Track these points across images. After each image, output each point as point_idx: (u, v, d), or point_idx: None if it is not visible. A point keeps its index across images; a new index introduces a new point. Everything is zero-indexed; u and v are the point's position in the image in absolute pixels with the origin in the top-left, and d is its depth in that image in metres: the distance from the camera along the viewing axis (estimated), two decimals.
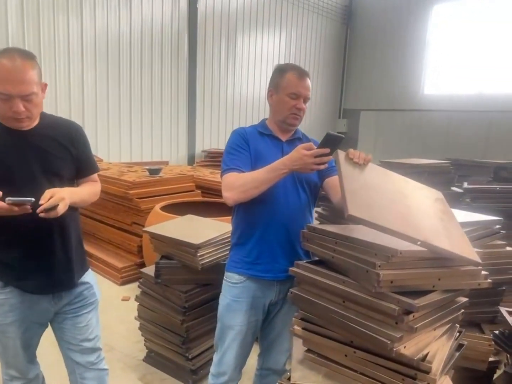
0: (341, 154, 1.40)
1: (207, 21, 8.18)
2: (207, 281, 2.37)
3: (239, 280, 1.71)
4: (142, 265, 3.79)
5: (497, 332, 1.92)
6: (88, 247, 4.46)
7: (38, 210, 1.36)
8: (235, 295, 1.72)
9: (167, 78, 7.68)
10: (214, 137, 8.62)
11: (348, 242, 1.31)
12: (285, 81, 1.65)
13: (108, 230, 4.39)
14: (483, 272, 1.31)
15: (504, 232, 1.96)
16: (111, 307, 3.45)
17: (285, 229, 1.66)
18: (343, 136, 1.44)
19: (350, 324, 1.22)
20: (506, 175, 4.95)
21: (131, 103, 7.20)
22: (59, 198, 1.40)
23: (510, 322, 1.83)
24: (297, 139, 1.79)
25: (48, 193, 1.39)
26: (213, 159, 7.71)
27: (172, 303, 2.38)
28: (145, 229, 2.55)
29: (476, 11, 9.38)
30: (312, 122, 10.97)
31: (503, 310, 1.93)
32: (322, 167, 1.47)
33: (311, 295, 1.34)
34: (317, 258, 1.48)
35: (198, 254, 2.22)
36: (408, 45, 10.32)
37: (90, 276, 1.78)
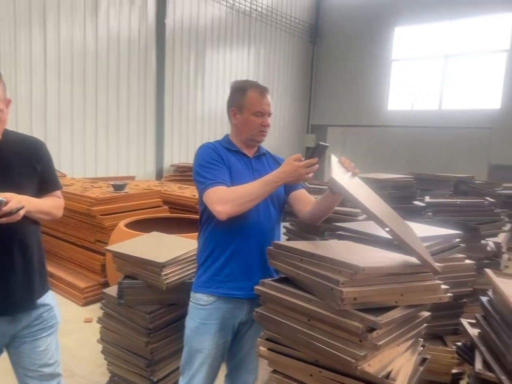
0: (334, 158, 1.49)
1: (175, 36, 8.19)
2: (173, 301, 2.30)
3: (208, 302, 1.67)
4: (106, 284, 3.66)
5: (459, 343, 1.95)
6: (48, 267, 4.23)
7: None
8: (203, 318, 1.67)
9: (134, 91, 7.59)
10: (183, 151, 8.57)
11: (313, 259, 1.31)
12: (248, 100, 1.66)
13: (70, 248, 4.23)
14: (444, 286, 1.33)
15: (463, 245, 2.02)
16: (73, 330, 3.29)
17: (259, 245, 1.65)
18: (328, 145, 1.51)
19: (315, 343, 1.21)
20: (466, 189, 5.17)
21: (97, 117, 7.06)
22: (18, 201, 1.38)
23: (471, 334, 1.88)
24: (262, 154, 1.80)
25: (2, 195, 1.36)
26: (182, 173, 7.64)
27: (136, 324, 2.29)
28: (107, 247, 2.46)
29: (436, 33, 9.88)
30: (281, 137, 11.10)
31: (465, 322, 1.98)
32: (311, 175, 1.51)
33: (276, 314, 1.32)
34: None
35: (163, 273, 2.15)
36: (372, 63, 10.71)
37: (50, 297, 1.71)
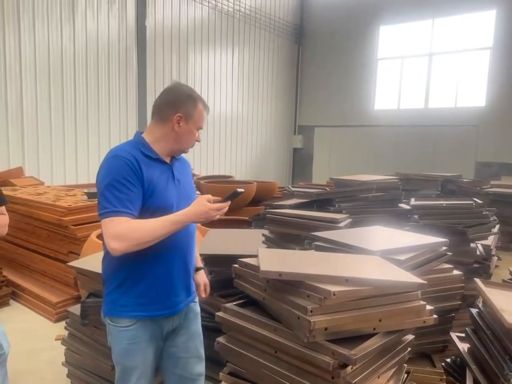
0: (260, 250, 1.49)
1: (156, 37, 8.00)
2: None
3: (131, 323, 1.52)
4: (80, 299, 3.46)
5: (448, 360, 1.81)
6: (20, 280, 4.05)
7: None
8: (130, 338, 1.52)
9: (115, 96, 7.38)
10: None
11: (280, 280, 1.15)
12: (197, 114, 1.56)
13: (43, 261, 4.01)
14: (428, 307, 1.18)
15: (451, 254, 1.88)
16: (42, 349, 3.08)
17: (183, 261, 1.57)
18: (243, 190, 1.54)
19: (282, 381, 1.05)
20: (453, 188, 5.07)
21: (76, 123, 6.84)
22: None
23: (461, 349, 1.74)
24: (175, 159, 1.65)
25: None
26: None
27: (102, 346, 2.12)
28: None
29: (420, 31, 9.83)
30: (268, 138, 10.98)
31: (454, 335, 1.84)
32: (218, 217, 1.48)
33: (239, 346, 1.16)
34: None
35: None
36: (358, 62, 10.62)
37: None
